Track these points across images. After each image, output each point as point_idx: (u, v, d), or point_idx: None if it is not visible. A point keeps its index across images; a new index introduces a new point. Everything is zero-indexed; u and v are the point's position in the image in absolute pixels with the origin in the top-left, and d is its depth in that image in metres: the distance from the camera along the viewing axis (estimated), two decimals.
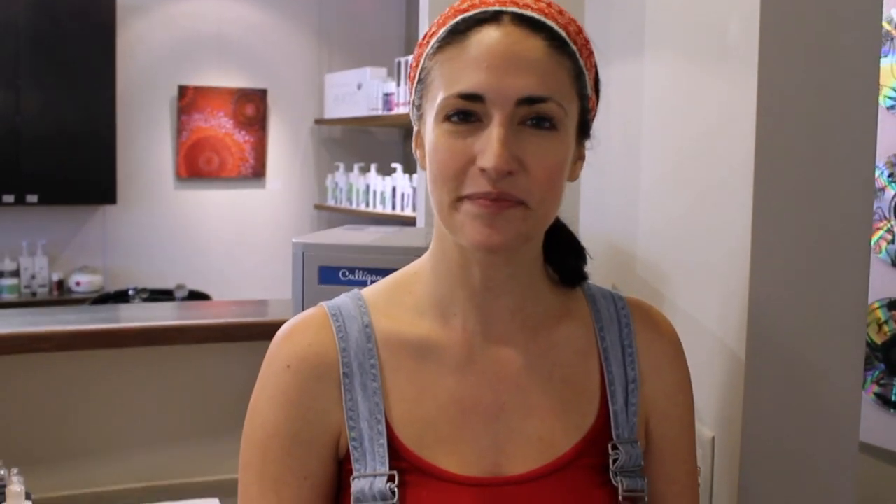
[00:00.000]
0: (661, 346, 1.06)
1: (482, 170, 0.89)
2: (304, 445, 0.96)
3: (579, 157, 1.00)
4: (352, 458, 0.95)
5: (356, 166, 5.63)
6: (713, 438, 1.20)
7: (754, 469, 1.15)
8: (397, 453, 0.95)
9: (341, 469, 0.97)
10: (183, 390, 2.33)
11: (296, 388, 0.97)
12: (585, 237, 1.49)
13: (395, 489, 0.93)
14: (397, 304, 1.02)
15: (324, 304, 1.02)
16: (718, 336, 1.19)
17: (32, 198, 5.19)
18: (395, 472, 0.94)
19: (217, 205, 5.93)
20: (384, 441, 0.95)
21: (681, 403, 1.06)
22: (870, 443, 2.50)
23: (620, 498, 0.97)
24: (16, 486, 1.71)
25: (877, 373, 2.52)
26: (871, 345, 2.52)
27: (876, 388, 2.52)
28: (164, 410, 2.31)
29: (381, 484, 0.93)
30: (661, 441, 1.05)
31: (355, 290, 1.04)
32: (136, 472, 2.25)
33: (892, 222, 2.44)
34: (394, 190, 5.18)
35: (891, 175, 2.44)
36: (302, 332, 1.00)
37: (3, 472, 1.77)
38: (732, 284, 1.16)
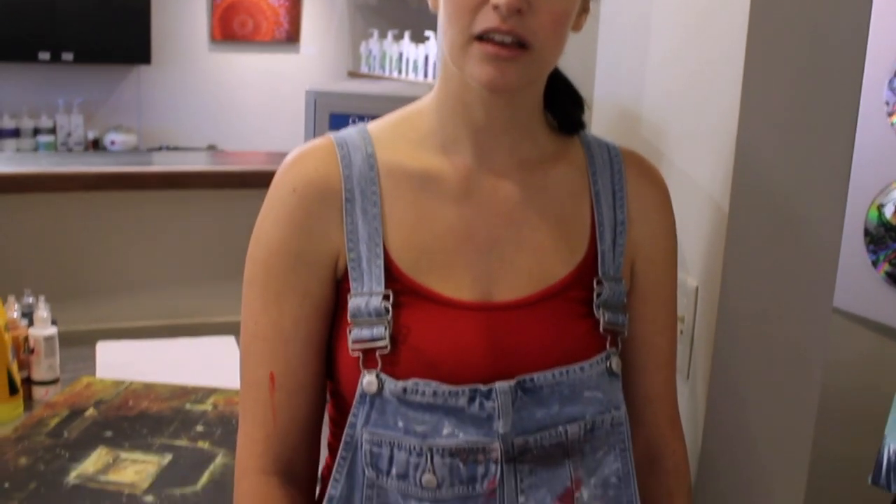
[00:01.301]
0: (650, 193, 1.10)
1: (495, 7, 0.91)
2: (305, 264, 1.01)
3: (584, 10, 1.02)
4: (350, 277, 1.00)
5: (390, 33, 5.58)
6: (697, 288, 1.25)
7: (731, 319, 1.20)
8: (393, 276, 1.00)
9: (339, 289, 1.02)
10: (203, 234, 2.38)
11: (300, 210, 1.01)
12: (599, 105, 1.52)
13: (389, 307, 0.98)
14: (401, 138, 1.06)
15: (330, 134, 1.06)
16: (707, 191, 1.23)
17: (68, 55, 5.22)
18: (389, 292, 0.99)
19: (251, 68, 5.92)
20: (381, 263, 0.99)
21: (664, 248, 1.11)
22: (878, 321, 2.53)
23: (601, 329, 1.03)
24: (43, 312, 1.81)
25: (889, 251, 2.53)
26: (885, 224, 2.52)
27: (887, 267, 2.53)
28: (185, 253, 2.37)
29: (376, 302, 0.98)
30: (644, 282, 1.10)
31: (362, 124, 1.08)
32: (156, 310, 2.34)
33: None
34: (426, 58, 5.12)
35: None
36: (308, 158, 1.04)
37: (31, 300, 1.88)
38: (721, 142, 1.19)
